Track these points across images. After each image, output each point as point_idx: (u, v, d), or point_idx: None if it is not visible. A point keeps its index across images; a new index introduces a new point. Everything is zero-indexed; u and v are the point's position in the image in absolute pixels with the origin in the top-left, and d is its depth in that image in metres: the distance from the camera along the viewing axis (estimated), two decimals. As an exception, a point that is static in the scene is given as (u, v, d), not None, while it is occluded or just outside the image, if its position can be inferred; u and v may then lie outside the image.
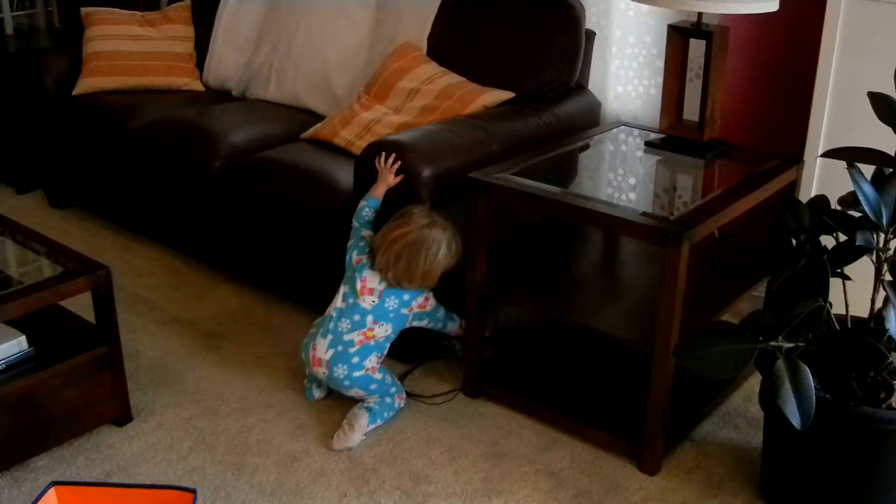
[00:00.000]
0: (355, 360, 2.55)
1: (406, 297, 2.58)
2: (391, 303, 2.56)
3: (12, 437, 2.36)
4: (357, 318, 2.56)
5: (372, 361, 2.58)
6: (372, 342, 2.57)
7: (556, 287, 2.65)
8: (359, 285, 2.57)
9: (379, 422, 2.56)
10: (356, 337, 2.55)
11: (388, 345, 2.62)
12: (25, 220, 3.43)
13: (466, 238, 2.59)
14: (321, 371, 2.58)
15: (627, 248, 2.91)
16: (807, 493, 2.23)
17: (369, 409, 2.55)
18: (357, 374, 2.55)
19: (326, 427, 2.60)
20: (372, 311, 2.56)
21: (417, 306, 2.62)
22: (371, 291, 2.56)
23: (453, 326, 2.76)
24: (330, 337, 2.57)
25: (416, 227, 2.51)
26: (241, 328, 3.12)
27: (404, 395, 2.66)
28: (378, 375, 2.60)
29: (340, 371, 2.55)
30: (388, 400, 2.59)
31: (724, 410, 2.70)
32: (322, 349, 2.57)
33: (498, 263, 2.67)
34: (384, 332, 2.58)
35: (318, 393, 2.71)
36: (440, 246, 2.52)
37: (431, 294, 2.65)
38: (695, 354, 2.03)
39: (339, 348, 2.55)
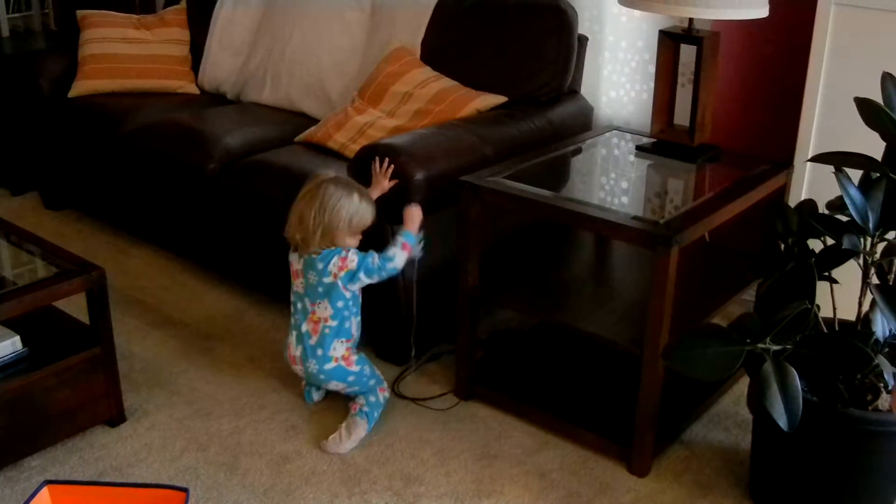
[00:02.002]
0: (319, 352, 2.53)
1: (320, 265, 2.46)
2: (312, 277, 2.49)
3: (6, 437, 2.37)
4: (300, 305, 2.55)
5: (338, 350, 2.54)
6: (325, 329, 2.52)
7: (547, 290, 2.67)
8: (291, 273, 2.57)
9: (372, 423, 2.58)
10: (307, 327, 2.53)
11: (347, 327, 2.54)
12: (20, 221, 3.44)
13: (458, 241, 2.60)
14: (298, 368, 2.59)
15: (618, 252, 2.93)
16: (795, 495, 2.25)
17: (367, 415, 2.56)
18: (328, 366, 2.54)
19: (319, 428, 2.61)
20: (306, 294, 2.52)
21: (338, 269, 2.46)
22: (297, 274, 2.54)
23: (401, 257, 2.50)
24: (295, 333, 2.58)
25: (314, 184, 2.45)
26: (235, 330, 3.14)
27: (386, 387, 2.66)
28: (355, 367, 2.57)
29: (312, 366, 2.54)
30: (372, 399, 2.59)
31: (714, 413, 2.71)
32: (293, 347, 2.58)
33: (490, 266, 2.69)
34: (326, 311, 2.50)
35: (317, 395, 2.73)
36: (339, 197, 2.42)
37: (352, 250, 2.49)
38: (683, 356, 2.05)
39: (303, 343, 2.55)
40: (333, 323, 2.52)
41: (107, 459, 2.49)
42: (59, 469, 2.44)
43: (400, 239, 2.51)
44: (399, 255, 2.50)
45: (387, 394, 2.64)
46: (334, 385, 2.59)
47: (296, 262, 2.54)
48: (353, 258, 2.47)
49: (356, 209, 2.45)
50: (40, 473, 2.42)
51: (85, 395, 2.51)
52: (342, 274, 2.47)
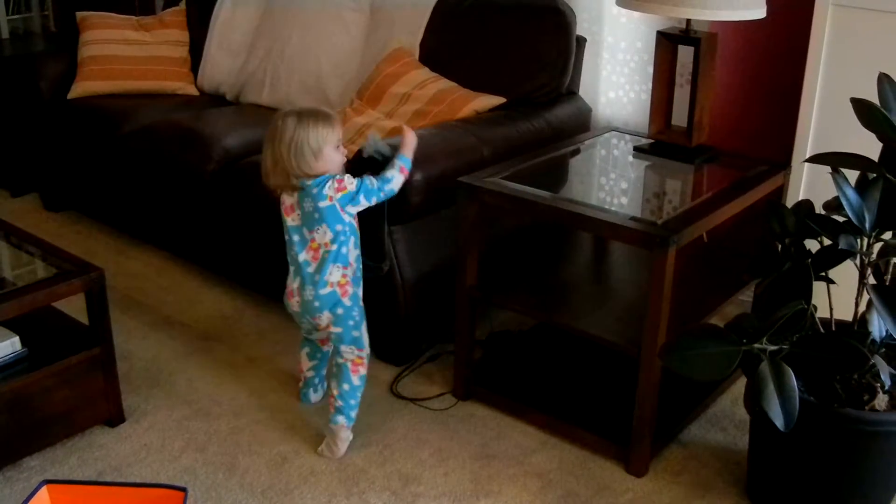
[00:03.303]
0: (317, 277, 2.45)
1: (315, 190, 2.40)
2: (308, 205, 2.42)
3: (5, 437, 2.38)
4: (297, 237, 2.48)
5: (334, 275, 2.45)
6: (325, 254, 2.44)
7: (545, 291, 2.67)
8: (283, 212, 2.50)
9: (353, 414, 2.52)
10: (306, 255, 2.46)
11: (345, 253, 2.46)
12: (20, 222, 3.43)
13: (457, 242, 2.61)
14: (295, 301, 2.51)
15: (617, 252, 2.93)
16: (792, 494, 2.26)
17: (343, 412, 2.52)
18: (323, 291, 2.45)
19: (317, 429, 2.61)
20: (304, 224, 2.46)
21: (335, 191, 2.40)
22: (290, 209, 2.47)
23: (399, 179, 2.50)
24: (293, 268, 2.51)
25: (273, 125, 2.41)
26: (234, 330, 3.14)
27: (366, 359, 2.55)
28: (347, 301, 2.48)
29: (308, 293, 2.47)
30: (345, 386, 2.51)
31: (711, 413, 2.72)
32: (290, 281, 2.52)
33: (488, 267, 2.69)
34: (326, 236, 2.43)
35: (314, 397, 2.73)
36: (295, 127, 2.37)
37: (347, 175, 2.44)
38: (680, 356, 2.05)
39: (302, 272, 2.48)
40: (333, 247, 2.44)
41: (106, 459, 2.49)
42: (59, 469, 2.45)
43: (398, 162, 2.50)
44: (397, 178, 2.48)
45: (363, 372, 2.54)
46: (325, 317, 2.48)
47: (288, 198, 2.47)
48: (351, 181, 2.43)
49: (315, 133, 2.38)
50: (39, 473, 2.43)
51: (84, 395, 2.52)
52: (339, 196, 2.41)
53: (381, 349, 2.92)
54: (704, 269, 2.78)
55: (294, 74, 3.70)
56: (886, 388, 2.15)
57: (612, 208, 2.48)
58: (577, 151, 2.95)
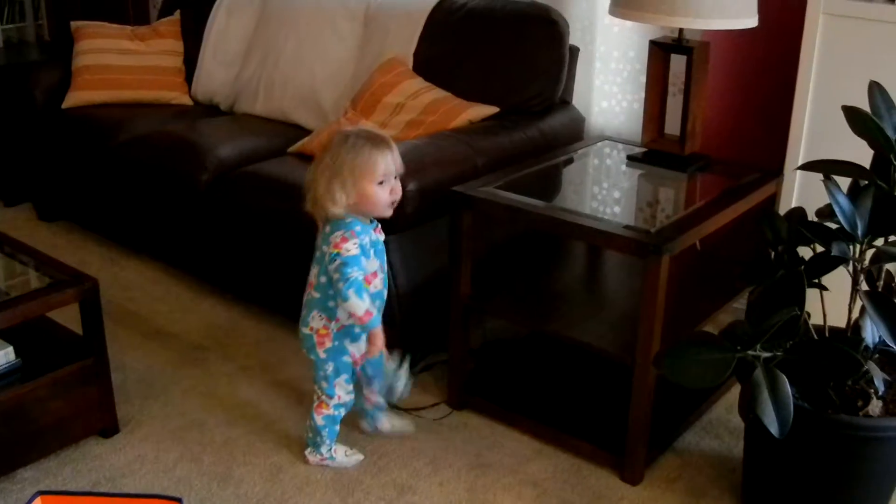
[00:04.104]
0: (304, 312, 2.39)
1: (327, 229, 2.28)
2: (320, 240, 2.33)
3: (-2, 448, 2.38)
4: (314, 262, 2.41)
5: (315, 321, 2.36)
6: (309, 295, 2.37)
7: (539, 299, 2.68)
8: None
9: (321, 448, 2.48)
10: (308, 285, 2.40)
11: (331, 307, 2.33)
12: (13, 232, 3.44)
13: (451, 251, 2.61)
14: None
15: (610, 261, 2.94)
16: (787, 501, 2.26)
17: (308, 443, 2.51)
18: (304, 330, 2.39)
19: (312, 438, 2.61)
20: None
21: (333, 245, 2.23)
22: (319, 231, 2.37)
23: (360, 311, 2.23)
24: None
25: (335, 144, 2.26)
26: (228, 341, 3.14)
27: (333, 405, 2.44)
28: (321, 353, 2.38)
29: (300, 324, 2.43)
30: (309, 421, 2.48)
31: (706, 421, 2.72)
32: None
33: (482, 276, 2.69)
34: (316, 278, 2.34)
35: (366, 425, 2.65)
36: (331, 147, 2.26)
37: (354, 242, 2.23)
38: (674, 364, 2.06)
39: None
40: (317, 295, 2.35)
41: (100, 470, 2.48)
42: (52, 480, 2.44)
43: (372, 328, 2.29)
44: (358, 307, 2.23)
45: (327, 413, 2.45)
46: (305, 354, 2.44)
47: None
48: (353, 249, 2.23)
49: (357, 159, 2.23)
50: (33, 484, 2.42)
51: (78, 405, 2.51)
52: (332, 251, 2.23)
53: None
54: (698, 276, 2.79)
55: (288, 84, 3.71)
56: (880, 393, 2.16)
57: (606, 217, 2.49)
58: (570, 160, 2.96)
